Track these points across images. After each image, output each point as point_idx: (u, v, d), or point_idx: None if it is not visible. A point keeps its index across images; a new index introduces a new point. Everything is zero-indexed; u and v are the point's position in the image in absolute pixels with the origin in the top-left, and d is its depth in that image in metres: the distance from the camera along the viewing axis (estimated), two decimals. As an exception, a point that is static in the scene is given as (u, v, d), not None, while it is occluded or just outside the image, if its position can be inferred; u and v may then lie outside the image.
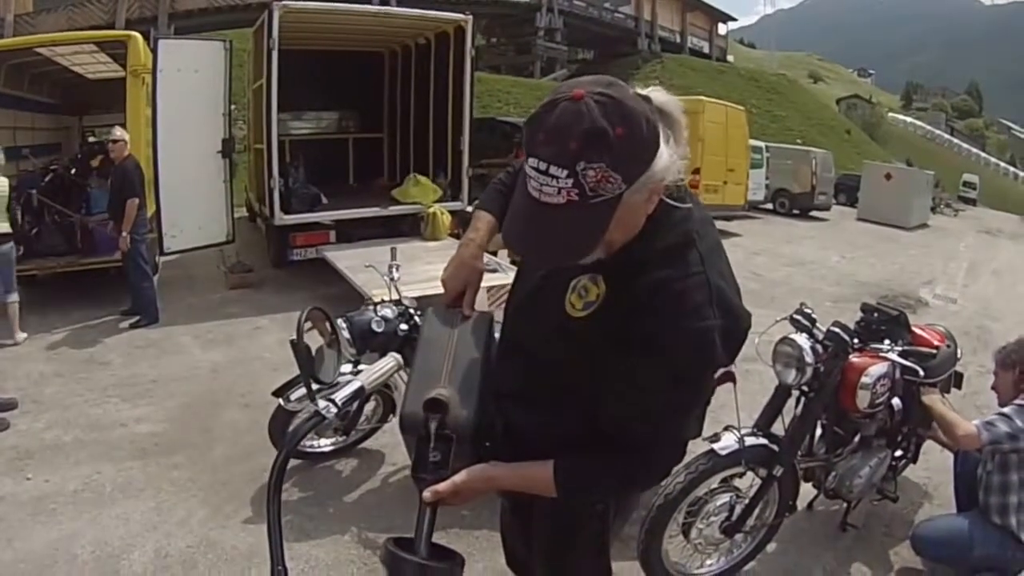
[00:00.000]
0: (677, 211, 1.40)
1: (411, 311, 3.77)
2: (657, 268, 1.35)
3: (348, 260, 7.56)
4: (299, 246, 8.08)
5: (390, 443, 4.63)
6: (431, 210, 8.77)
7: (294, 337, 1.70)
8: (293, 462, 4.26)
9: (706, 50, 52.86)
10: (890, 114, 79.00)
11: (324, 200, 8.64)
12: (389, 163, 11.46)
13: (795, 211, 21.46)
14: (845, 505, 4.04)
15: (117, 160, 6.72)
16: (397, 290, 4.02)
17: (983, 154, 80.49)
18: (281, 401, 3.99)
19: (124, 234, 6.62)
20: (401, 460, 4.51)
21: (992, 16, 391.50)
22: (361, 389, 1.67)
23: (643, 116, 1.19)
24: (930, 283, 12.53)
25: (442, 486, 1.43)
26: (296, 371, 4.17)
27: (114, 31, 9.94)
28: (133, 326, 6.86)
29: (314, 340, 1.80)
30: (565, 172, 1.15)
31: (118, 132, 6.75)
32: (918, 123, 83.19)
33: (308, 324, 1.79)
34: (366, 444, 4.63)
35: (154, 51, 7.17)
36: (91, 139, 10.99)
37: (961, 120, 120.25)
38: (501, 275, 6.81)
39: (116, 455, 4.51)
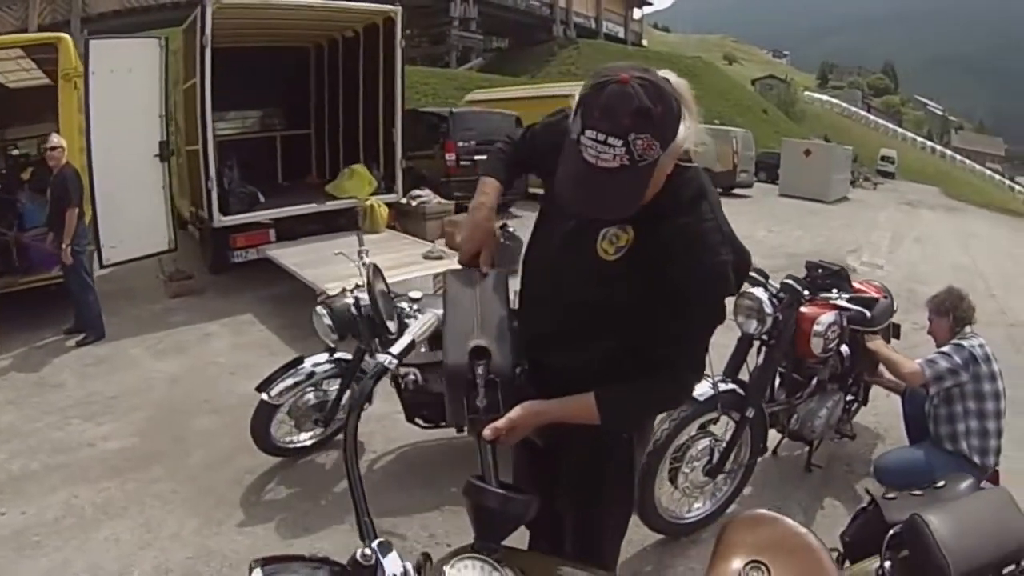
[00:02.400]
0: (688, 170, 1.77)
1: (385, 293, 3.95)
2: (678, 216, 1.71)
3: (293, 257, 7.75)
4: (240, 247, 8.14)
5: (366, 431, 4.83)
6: (368, 203, 8.96)
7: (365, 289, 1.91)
8: (274, 461, 4.49)
9: (621, 35, 54.25)
10: (806, 93, 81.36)
11: (262, 199, 8.72)
12: (318, 159, 11.54)
13: (718, 189, 22.05)
14: (807, 448, 4.64)
15: (55, 169, 6.57)
16: (371, 273, 4.10)
17: (900, 129, 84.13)
18: (264, 396, 4.11)
19: (65, 246, 6.46)
20: (380, 447, 4.74)
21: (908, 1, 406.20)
22: (413, 343, 1.76)
23: (672, 96, 1.56)
24: (856, 251, 13.44)
25: (500, 423, 1.68)
26: (272, 366, 4.43)
27: (44, 34, 9.62)
28: (80, 344, 6.76)
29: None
30: (620, 142, 1.49)
31: (55, 139, 6.64)
32: (834, 101, 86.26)
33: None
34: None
35: (85, 53, 7.09)
36: (15, 152, 10.62)
37: (877, 97, 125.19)
38: (446, 262, 7.17)
39: (90, 476, 4.47)
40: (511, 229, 9.56)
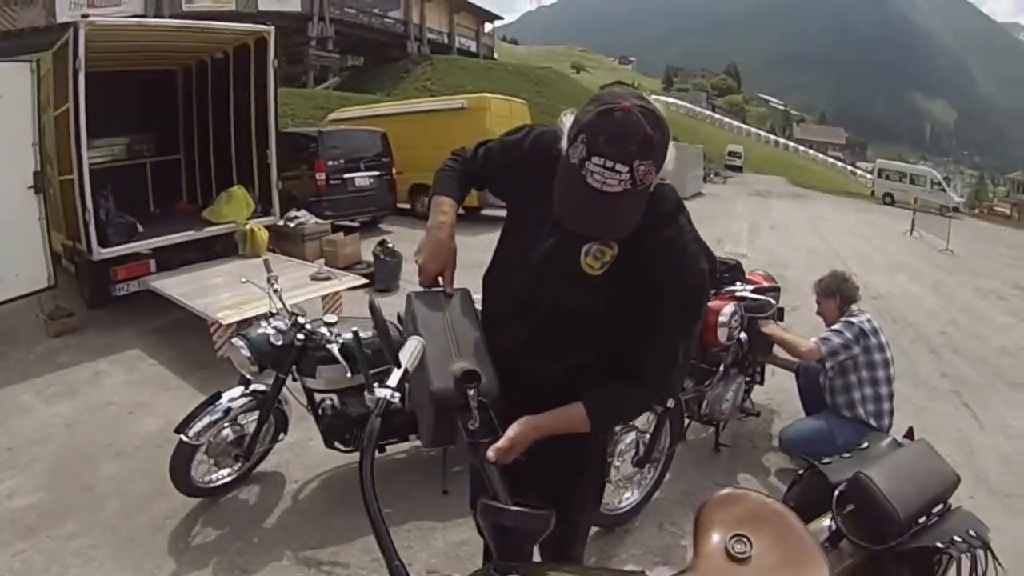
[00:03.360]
0: (665, 186, 1.92)
1: (300, 320, 3.99)
2: (660, 229, 1.87)
3: (179, 287, 7.54)
4: (121, 280, 7.84)
5: (281, 461, 4.79)
6: (247, 227, 8.82)
7: (373, 323, 1.94)
8: (193, 502, 4.33)
9: (474, 49, 55.07)
10: (653, 96, 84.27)
11: (141, 228, 8.42)
12: (188, 185, 11.22)
13: None
14: (714, 429, 5.13)
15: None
16: (281, 300, 4.20)
17: (744, 125, 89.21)
18: (183, 437, 3.96)
19: None
20: (300, 476, 4.67)
21: (748, 4, 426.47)
22: (407, 372, 1.72)
23: (664, 122, 1.71)
24: (719, 242, 14.12)
25: (501, 443, 1.75)
26: (169, 402, 4.37)
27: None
28: (-37, 395, 6.22)
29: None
30: (626, 168, 1.62)
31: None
32: (680, 103, 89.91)
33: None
34: (260, 467, 4.64)
35: (-51, 78, 6.64)
36: None
37: (721, 97, 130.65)
38: (335, 282, 7.22)
39: (2, 538, 4.11)
40: (391, 245, 9.61)
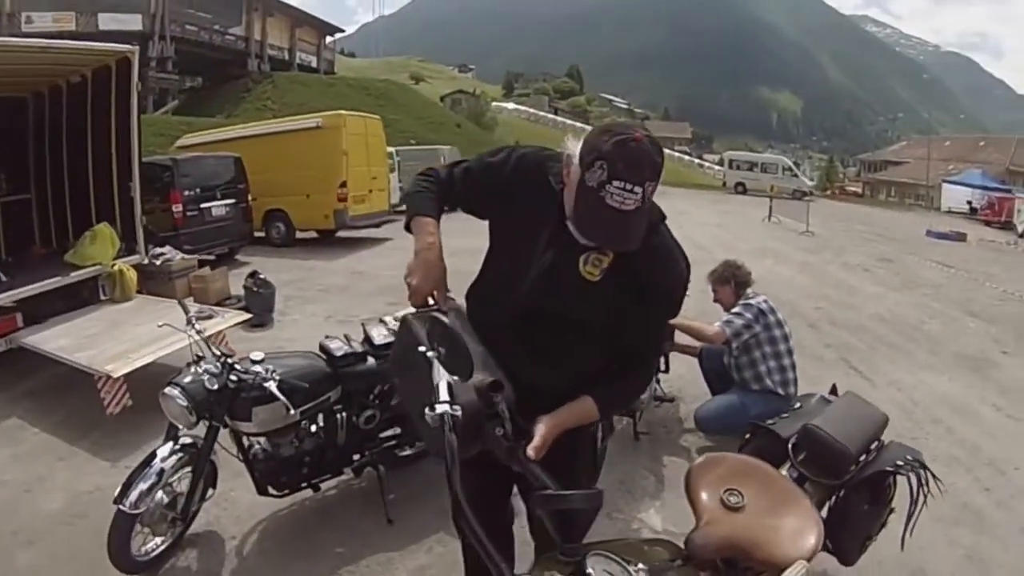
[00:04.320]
0: None
1: (230, 361, 3.77)
2: (649, 237, 2.06)
3: (55, 341, 6.65)
4: None
5: (212, 518, 4.32)
6: (115, 268, 8.40)
7: (423, 348, 1.92)
8: None
9: (314, 64, 54.65)
10: (494, 103, 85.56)
11: (3, 278, 7.88)
12: (41, 226, 10.25)
13: None
14: (629, 420, 5.43)
15: None
16: (206, 343, 4.02)
17: (587, 127, 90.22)
18: (121, 507, 3.59)
19: None
20: (235, 529, 4.25)
21: (581, 4, 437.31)
22: (450, 385, 1.78)
23: (662, 148, 1.95)
24: None
25: (537, 442, 1.90)
26: (66, 472, 4.09)
27: None
28: None
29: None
30: (640, 189, 1.85)
31: None
32: (522, 108, 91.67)
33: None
34: (190, 528, 4.11)
35: None
36: None
37: (564, 100, 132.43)
38: (218, 320, 6.94)
39: None
40: (262, 277, 9.49)
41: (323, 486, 4.29)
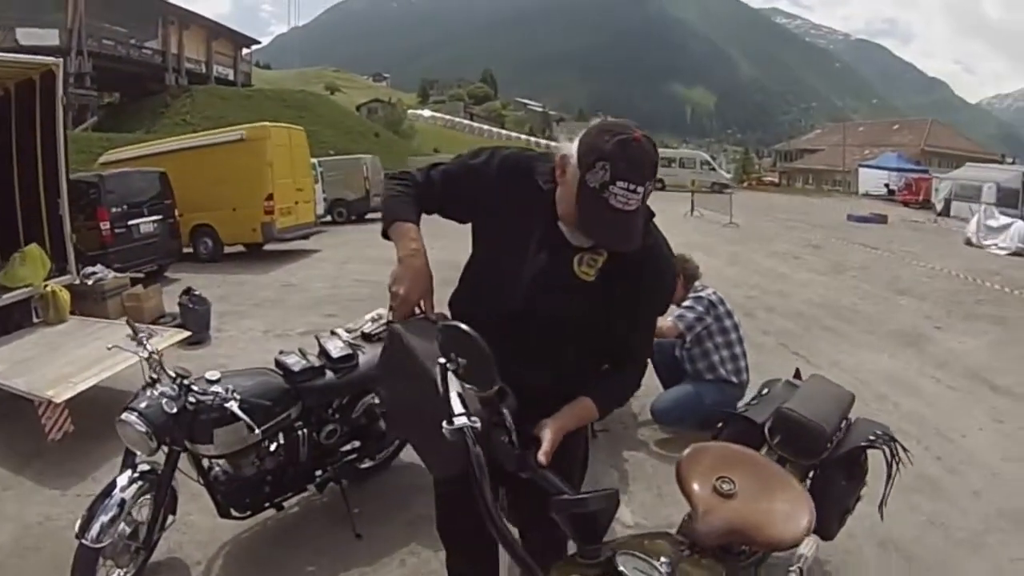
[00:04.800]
0: None
1: (185, 380, 3.58)
2: (643, 236, 2.06)
3: None
4: None
5: (174, 544, 4.09)
6: (48, 289, 8.19)
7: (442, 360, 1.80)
8: None
9: (231, 77, 54.21)
10: (410, 111, 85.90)
11: None
12: None
13: (353, 217, 23.74)
14: None
15: None
16: (159, 363, 3.83)
17: (503, 131, 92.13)
18: (84, 542, 3.38)
19: None
20: (200, 554, 4.04)
21: (494, 10, 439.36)
22: (461, 396, 1.74)
23: (655, 144, 1.97)
24: None
25: (546, 447, 1.91)
26: (16, 506, 3.93)
27: None
28: None
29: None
30: (641, 189, 1.85)
31: None
32: (438, 115, 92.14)
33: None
34: (154, 556, 3.89)
35: None
36: None
37: (479, 105, 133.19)
38: (157, 339, 6.72)
39: None
40: (197, 293, 9.34)
41: (286, 504, 4.19)
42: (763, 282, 12.21)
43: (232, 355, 7.69)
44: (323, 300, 10.57)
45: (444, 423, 1.66)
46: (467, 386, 1.76)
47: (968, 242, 19.19)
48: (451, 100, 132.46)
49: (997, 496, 4.55)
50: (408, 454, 4.68)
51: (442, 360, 1.75)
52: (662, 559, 1.75)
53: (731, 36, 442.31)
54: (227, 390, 3.51)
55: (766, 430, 2.99)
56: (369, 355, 4.21)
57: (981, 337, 8.51)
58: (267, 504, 3.99)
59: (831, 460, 2.92)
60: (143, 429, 3.47)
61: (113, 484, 3.57)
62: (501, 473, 1.84)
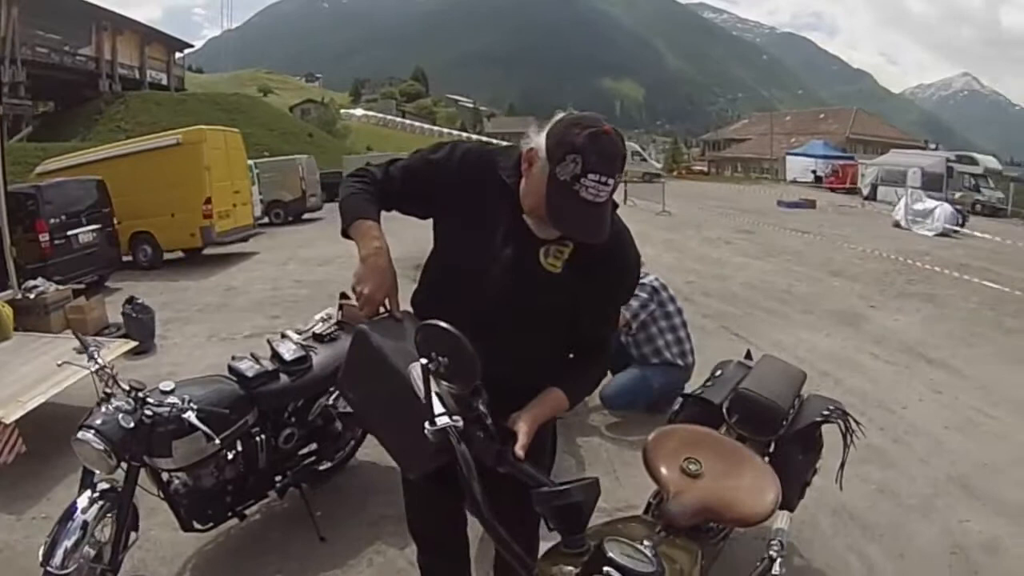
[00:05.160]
0: None
1: (140, 393, 3.41)
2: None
3: None
4: None
5: (137, 563, 3.90)
6: None
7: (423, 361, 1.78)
8: None
9: (165, 82, 53.65)
10: (343, 111, 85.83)
11: None
12: None
13: (290, 218, 23.63)
14: None
15: None
16: (112, 376, 3.71)
17: (435, 128, 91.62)
18: (50, 569, 3.20)
19: None
20: (165, 570, 3.92)
21: (425, 7, 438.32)
22: (440, 396, 1.76)
23: (623, 136, 1.97)
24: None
25: (523, 440, 1.89)
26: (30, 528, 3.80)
27: None
28: None
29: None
30: (612, 181, 1.88)
31: None
32: (371, 113, 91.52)
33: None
34: None
35: None
36: None
37: (411, 103, 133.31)
38: (105, 351, 6.59)
39: None
40: (140, 301, 9.15)
41: (248, 512, 4.07)
42: (700, 267, 12.41)
43: (180, 363, 7.55)
44: (265, 302, 10.46)
45: (427, 424, 1.66)
46: (444, 384, 1.77)
47: (896, 225, 19.73)
48: (383, 98, 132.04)
49: (942, 463, 4.75)
50: (363, 453, 4.68)
51: (423, 360, 1.73)
52: (645, 543, 1.75)
53: (659, 30, 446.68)
54: (184, 400, 3.39)
55: (724, 410, 3.05)
56: (322, 356, 4.15)
57: (914, 314, 8.79)
58: (229, 514, 3.89)
59: (788, 436, 3.00)
60: (101, 447, 3.31)
61: (73, 506, 3.40)
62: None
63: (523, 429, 1.94)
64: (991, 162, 43.56)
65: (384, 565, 3.80)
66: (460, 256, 2.22)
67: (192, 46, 69.73)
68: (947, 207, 19.76)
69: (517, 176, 2.05)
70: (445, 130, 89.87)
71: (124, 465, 3.40)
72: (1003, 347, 7.38)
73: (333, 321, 4.48)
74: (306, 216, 23.83)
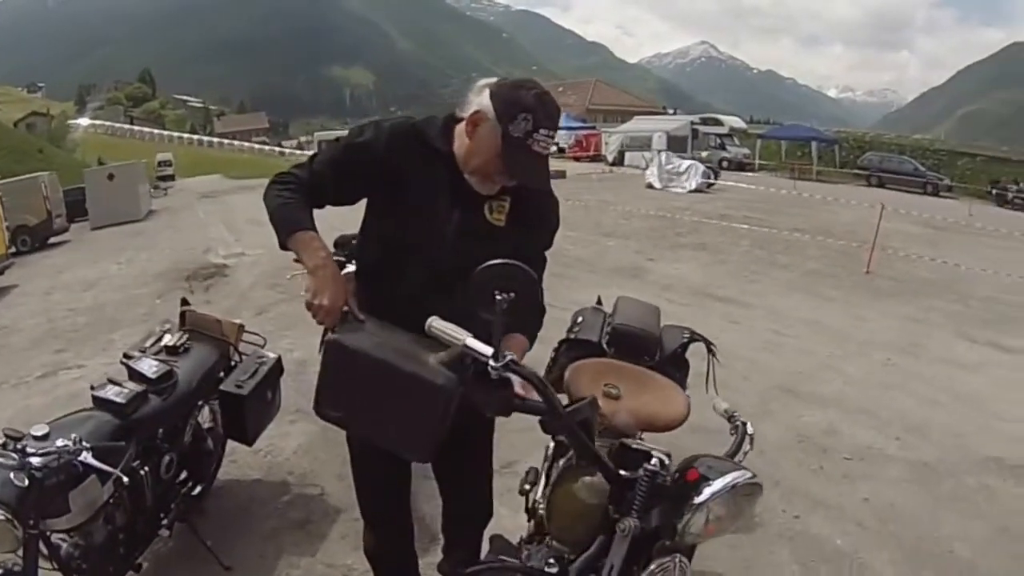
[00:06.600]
0: None
1: (19, 444, 2.74)
2: None
3: None
4: None
5: None
6: None
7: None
8: None
9: None
10: (70, 121, 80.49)
11: None
12: None
13: (36, 245, 21.36)
14: None
15: None
16: None
17: (165, 132, 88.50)
18: None
19: None
20: None
21: (147, 4, 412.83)
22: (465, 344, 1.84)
23: None
24: (208, 251, 14.15)
25: (516, 385, 1.91)
26: None
27: None
28: None
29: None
30: (554, 134, 2.15)
31: None
32: (98, 122, 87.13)
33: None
34: None
35: None
36: None
37: (138, 107, 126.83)
38: None
39: None
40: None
41: (141, 561, 3.51)
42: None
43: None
44: (45, 337, 9.22)
45: (491, 362, 1.78)
46: (449, 329, 1.87)
47: (649, 186, 21.16)
48: (110, 105, 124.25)
49: (763, 377, 5.51)
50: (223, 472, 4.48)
51: (498, 297, 1.85)
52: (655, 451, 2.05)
53: (389, 15, 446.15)
54: (74, 440, 2.82)
55: (604, 345, 3.38)
56: (184, 368, 3.79)
57: (691, 262, 9.72)
58: (126, 569, 3.33)
59: (664, 359, 3.36)
60: (2, 517, 2.62)
61: None
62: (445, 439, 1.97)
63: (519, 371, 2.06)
64: (736, 122, 47.76)
65: (305, 574, 3.67)
66: (404, 228, 2.30)
67: None
68: (699, 165, 21.46)
69: (449, 142, 2.23)
70: (175, 134, 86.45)
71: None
72: (780, 279, 8.41)
73: (180, 331, 4.12)
74: (52, 240, 21.94)
